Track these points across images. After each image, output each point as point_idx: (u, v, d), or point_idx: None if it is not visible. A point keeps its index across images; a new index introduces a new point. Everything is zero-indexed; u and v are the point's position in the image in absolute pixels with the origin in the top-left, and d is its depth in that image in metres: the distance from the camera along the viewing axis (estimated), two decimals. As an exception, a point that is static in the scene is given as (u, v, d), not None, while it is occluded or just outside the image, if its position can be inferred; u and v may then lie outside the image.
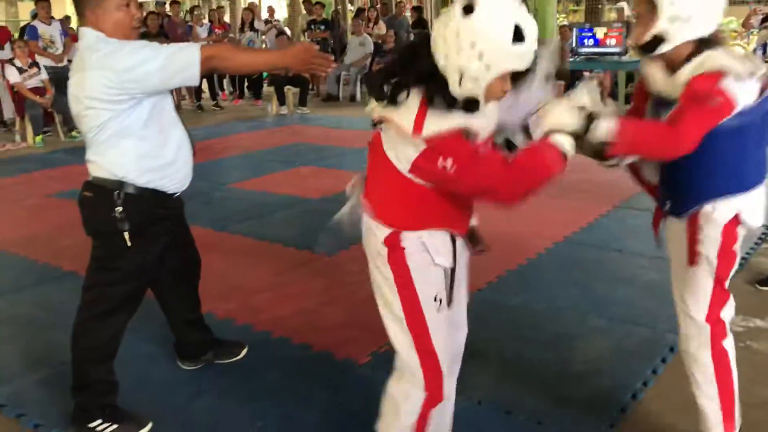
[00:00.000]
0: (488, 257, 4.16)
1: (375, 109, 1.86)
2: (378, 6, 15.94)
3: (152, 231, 2.53)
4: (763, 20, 9.91)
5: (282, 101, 10.76)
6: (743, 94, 1.92)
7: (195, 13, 11.80)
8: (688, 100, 1.92)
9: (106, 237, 2.49)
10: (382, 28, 12.86)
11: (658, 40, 1.94)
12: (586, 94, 1.89)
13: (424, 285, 1.83)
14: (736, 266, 2.18)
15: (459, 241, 1.94)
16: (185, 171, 2.58)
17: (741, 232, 2.11)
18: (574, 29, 9.89)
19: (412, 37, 13.08)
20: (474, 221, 2.06)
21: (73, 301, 3.68)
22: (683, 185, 2.12)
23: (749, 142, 2.04)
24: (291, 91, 10.97)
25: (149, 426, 2.58)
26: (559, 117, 1.84)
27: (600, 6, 14.16)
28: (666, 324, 3.27)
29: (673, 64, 2.00)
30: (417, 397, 1.91)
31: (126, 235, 2.42)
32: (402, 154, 1.79)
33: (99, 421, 2.51)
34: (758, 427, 2.52)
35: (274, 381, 2.88)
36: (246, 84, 12.37)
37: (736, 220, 2.07)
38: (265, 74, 12.40)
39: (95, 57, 2.29)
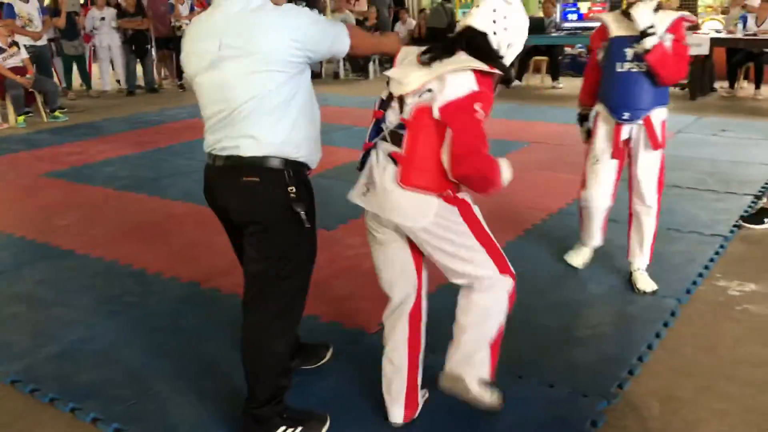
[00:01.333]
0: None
1: (412, 80, 2.14)
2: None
3: (313, 209, 2.30)
4: None
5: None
6: None
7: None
8: (677, 41, 3.09)
9: (282, 224, 2.16)
10: (363, 4, 12.78)
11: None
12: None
13: (478, 213, 2.28)
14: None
15: None
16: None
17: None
18: (558, 4, 9.90)
19: (391, 12, 13.03)
20: None
21: (75, 278, 3.70)
22: (642, 100, 3.21)
23: None
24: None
25: (328, 421, 2.40)
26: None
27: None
28: (665, 290, 3.35)
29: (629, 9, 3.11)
30: (504, 291, 2.33)
31: (303, 215, 2.16)
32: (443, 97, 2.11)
33: (283, 428, 2.29)
34: (761, 387, 2.60)
35: (285, 352, 2.90)
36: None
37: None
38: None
39: (275, 15, 2.08)
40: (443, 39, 2.26)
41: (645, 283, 3.36)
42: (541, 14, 11.07)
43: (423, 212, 2.18)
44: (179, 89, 11.03)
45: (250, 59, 2.04)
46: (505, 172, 2.24)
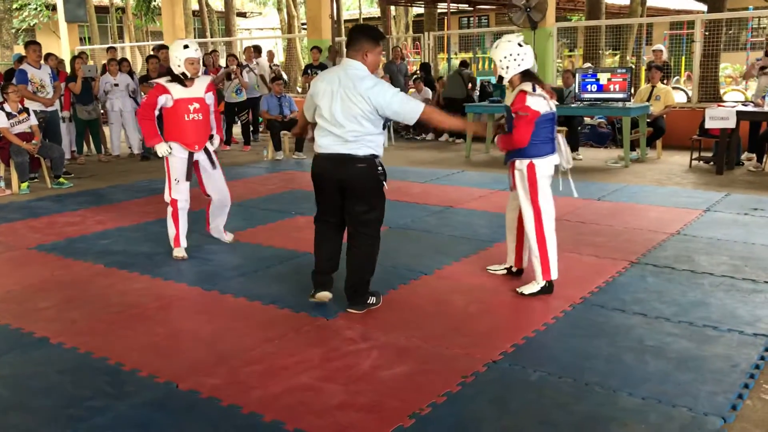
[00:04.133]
0: (502, 322, 3.85)
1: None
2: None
3: None
4: (761, 68, 9.75)
5: (278, 146, 10.49)
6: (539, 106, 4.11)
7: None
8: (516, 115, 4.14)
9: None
10: (379, 73, 12.69)
11: (500, 77, 4.23)
12: None
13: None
14: (542, 192, 4.26)
15: None
16: None
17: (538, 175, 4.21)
18: (577, 74, 9.67)
19: (406, 81, 12.93)
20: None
21: (41, 374, 3.33)
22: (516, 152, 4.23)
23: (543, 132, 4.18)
24: (287, 136, 10.71)
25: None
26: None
27: (600, 51, 14.07)
28: (706, 404, 2.92)
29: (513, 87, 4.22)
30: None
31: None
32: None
33: (370, 296, 4.08)
34: None
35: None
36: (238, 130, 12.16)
37: (533, 165, 4.19)
38: (260, 119, 12.16)
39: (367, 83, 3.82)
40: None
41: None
42: (560, 84, 10.88)
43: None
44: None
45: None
46: None
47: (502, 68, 4.16)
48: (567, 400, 2.97)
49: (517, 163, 4.23)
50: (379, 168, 3.89)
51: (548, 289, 4.27)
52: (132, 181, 8.86)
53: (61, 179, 8.54)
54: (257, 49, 13.03)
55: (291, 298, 4.28)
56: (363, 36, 3.88)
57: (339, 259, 4.13)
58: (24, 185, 8.22)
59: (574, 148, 9.93)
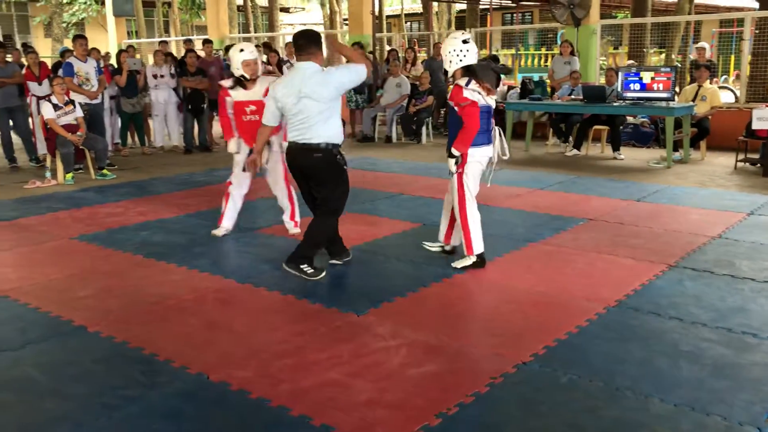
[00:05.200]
0: (534, 323, 3.81)
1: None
2: (415, 47, 15.82)
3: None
4: None
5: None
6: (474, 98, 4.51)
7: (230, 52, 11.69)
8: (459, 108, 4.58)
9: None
10: (419, 68, 12.66)
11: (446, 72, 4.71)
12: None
13: None
14: (472, 177, 4.69)
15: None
16: None
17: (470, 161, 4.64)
18: (620, 73, 9.51)
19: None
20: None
21: (77, 362, 3.41)
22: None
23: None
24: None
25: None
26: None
27: (645, 49, 13.80)
28: (742, 413, 2.85)
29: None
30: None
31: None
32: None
33: (305, 265, 4.54)
34: None
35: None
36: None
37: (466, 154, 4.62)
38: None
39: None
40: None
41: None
42: (602, 82, 10.71)
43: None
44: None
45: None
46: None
47: (447, 62, 4.61)
48: (596, 404, 2.92)
49: (453, 150, 4.63)
50: (338, 156, 4.47)
51: (480, 263, 4.71)
52: (174, 173, 9.01)
53: (105, 171, 8.73)
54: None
55: (323, 294, 4.30)
56: (312, 42, 4.47)
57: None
58: (69, 176, 8.42)
59: (615, 148, 9.78)
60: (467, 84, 4.50)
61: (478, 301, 4.29)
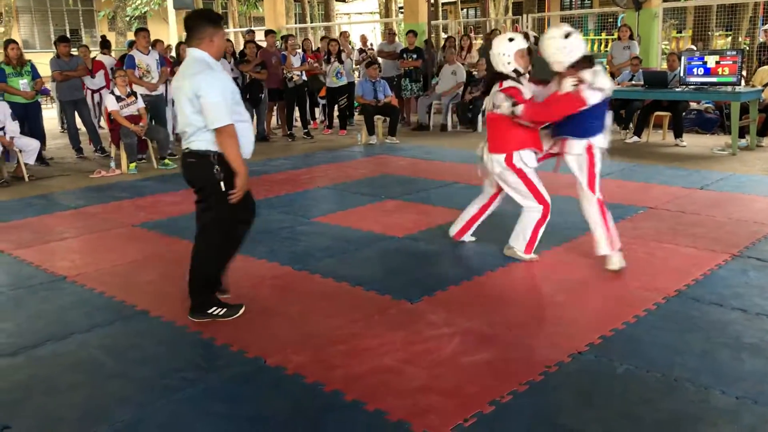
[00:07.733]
0: (590, 313, 3.77)
1: None
2: (471, 34, 15.66)
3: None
4: None
5: (371, 131, 10.58)
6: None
7: (289, 42, 11.80)
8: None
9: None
10: (474, 56, 12.53)
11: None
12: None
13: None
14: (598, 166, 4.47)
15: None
16: None
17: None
18: (683, 57, 9.23)
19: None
20: None
21: (140, 345, 3.53)
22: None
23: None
24: (381, 120, 10.77)
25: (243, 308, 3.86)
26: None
27: (710, 32, 13.34)
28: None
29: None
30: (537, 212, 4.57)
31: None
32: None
33: (215, 308, 3.79)
34: None
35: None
36: (336, 113, 12.32)
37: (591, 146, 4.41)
38: (356, 103, 12.30)
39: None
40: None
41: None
42: (664, 67, 10.42)
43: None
44: (288, 139, 11.12)
45: None
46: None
47: (556, 63, 4.39)
48: (653, 396, 2.87)
49: (515, 109, 4.42)
50: (216, 166, 3.53)
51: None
52: (231, 163, 9.15)
53: (167, 160, 8.96)
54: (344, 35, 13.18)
55: (377, 281, 4.33)
56: (204, 21, 3.56)
57: None
58: (132, 165, 8.67)
59: (677, 134, 9.50)
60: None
61: (533, 290, 4.25)
